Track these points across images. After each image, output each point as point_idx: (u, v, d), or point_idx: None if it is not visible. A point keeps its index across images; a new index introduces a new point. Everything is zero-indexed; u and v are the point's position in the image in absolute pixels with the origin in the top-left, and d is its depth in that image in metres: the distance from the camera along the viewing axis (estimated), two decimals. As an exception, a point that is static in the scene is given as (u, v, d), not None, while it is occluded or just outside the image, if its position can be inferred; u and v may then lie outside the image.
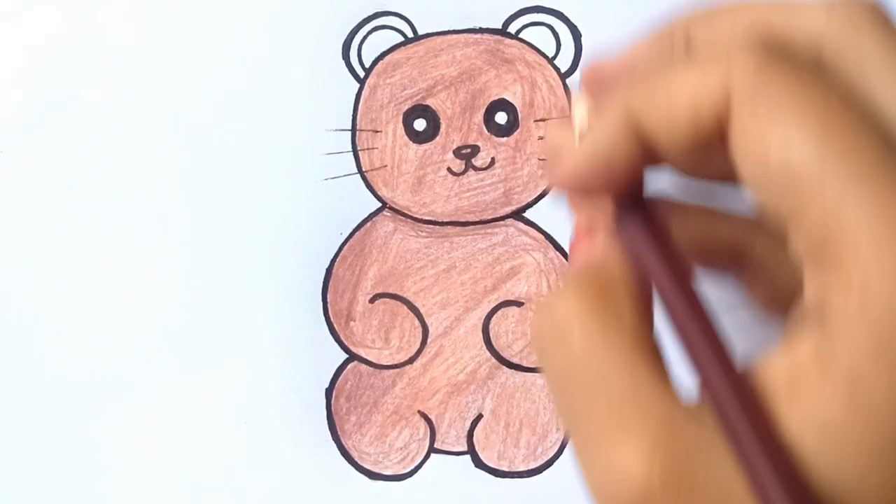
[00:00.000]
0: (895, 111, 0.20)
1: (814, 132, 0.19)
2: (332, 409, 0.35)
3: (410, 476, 0.35)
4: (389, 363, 0.36)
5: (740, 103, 0.20)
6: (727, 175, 0.21)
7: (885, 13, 0.22)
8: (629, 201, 0.24)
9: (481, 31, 0.36)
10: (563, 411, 0.22)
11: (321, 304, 0.36)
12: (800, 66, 0.20)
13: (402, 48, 0.36)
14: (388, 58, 0.36)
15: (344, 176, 0.36)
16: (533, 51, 0.36)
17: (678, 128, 0.21)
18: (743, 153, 0.20)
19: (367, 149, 0.36)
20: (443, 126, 0.36)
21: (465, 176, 0.36)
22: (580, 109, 0.25)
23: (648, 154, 0.22)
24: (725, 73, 0.20)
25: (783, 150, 0.19)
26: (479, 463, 0.35)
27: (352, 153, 0.36)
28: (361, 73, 0.36)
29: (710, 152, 0.21)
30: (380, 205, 0.36)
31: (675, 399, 0.20)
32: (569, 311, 0.22)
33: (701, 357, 0.21)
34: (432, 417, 0.35)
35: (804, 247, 0.20)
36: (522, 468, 0.35)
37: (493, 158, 0.36)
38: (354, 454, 0.35)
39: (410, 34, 0.36)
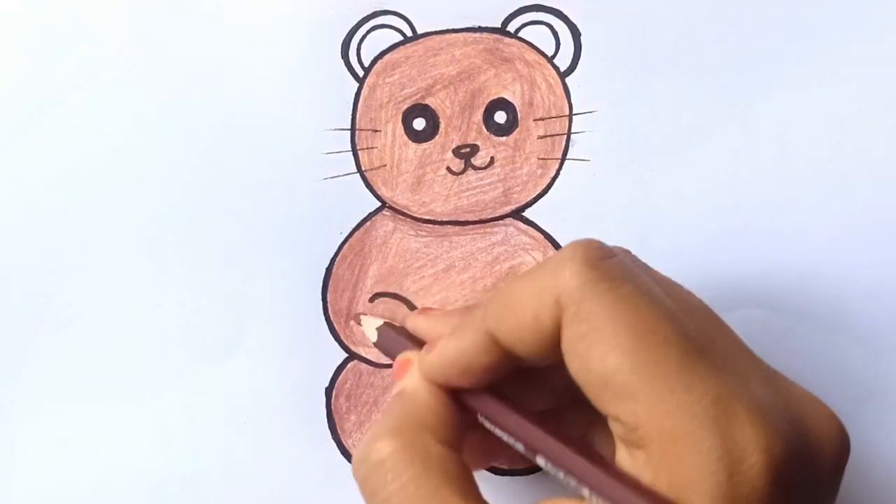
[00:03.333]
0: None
1: (626, 348, 0.24)
2: (332, 408, 0.35)
3: (410, 475, 0.35)
4: (389, 362, 0.36)
5: (567, 323, 0.25)
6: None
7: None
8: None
9: (480, 30, 0.36)
10: None
11: (321, 303, 0.36)
12: (615, 277, 0.25)
13: (402, 47, 0.36)
14: (387, 57, 0.36)
15: (343, 175, 0.36)
16: (532, 50, 0.36)
17: (527, 339, 0.26)
18: (570, 362, 0.25)
19: (367, 148, 0.36)
20: (442, 125, 0.36)
21: (464, 175, 0.36)
22: (370, 326, 0.33)
23: (506, 358, 0.27)
24: (556, 291, 0.25)
25: (601, 366, 0.24)
26: (479, 462, 0.35)
27: (351, 152, 0.36)
28: (360, 73, 0.36)
29: (555, 350, 0.26)
30: (379, 204, 0.36)
31: None
32: (384, 450, 0.27)
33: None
34: (432, 416, 0.36)
35: (619, 431, 0.25)
36: (522, 467, 0.35)
37: (492, 158, 0.36)
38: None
39: (409, 33, 0.36)
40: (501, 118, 0.36)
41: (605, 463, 0.25)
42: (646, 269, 0.28)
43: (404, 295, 0.36)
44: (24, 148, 0.36)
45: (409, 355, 0.30)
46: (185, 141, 0.36)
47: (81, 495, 0.35)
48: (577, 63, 0.36)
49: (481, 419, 0.29)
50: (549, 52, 0.36)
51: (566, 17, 0.36)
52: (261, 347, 0.35)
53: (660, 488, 0.24)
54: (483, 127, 0.36)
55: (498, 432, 0.28)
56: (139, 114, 0.36)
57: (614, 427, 0.25)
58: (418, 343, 0.32)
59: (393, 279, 0.36)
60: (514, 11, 0.36)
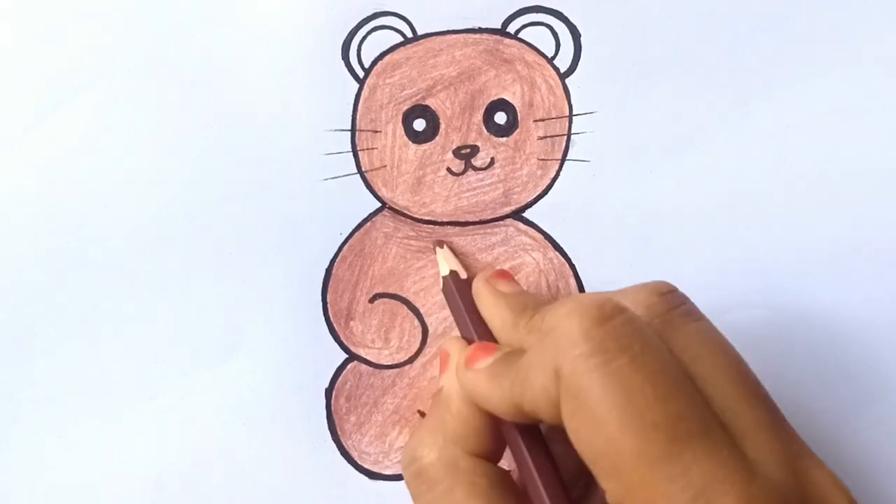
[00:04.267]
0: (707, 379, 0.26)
1: (611, 433, 0.24)
2: (332, 409, 0.35)
3: (410, 476, 0.35)
4: (389, 363, 0.36)
5: (562, 398, 0.25)
6: None
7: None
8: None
9: (480, 31, 0.36)
10: None
11: (321, 304, 0.36)
12: (609, 349, 0.24)
13: (402, 48, 0.36)
14: (387, 58, 0.36)
15: (343, 176, 0.36)
16: (532, 51, 0.36)
17: (543, 410, 0.26)
18: (570, 435, 0.25)
19: (367, 149, 0.36)
20: (442, 126, 0.36)
21: (464, 176, 0.36)
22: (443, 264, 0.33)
23: (533, 419, 0.27)
24: (554, 363, 0.25)
25: (588, 446, 0.24)
26: (479, 462, 0.35)
27: (351, 153, 0.36)
28: (361, 74, 0.36)
29: None
30: (379, 205, 0.36)
31: None
32: (423, 459, 0.29)
33: None
34: (432, 417, 0.36)
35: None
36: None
37: (492, 158, 0.36)
38: (354, 454, 0.35)
39: (410, 34, 0.36)
40: (501, 119, 0.36)
41: None
42: (672, 316, 0.27)
43: (404, 296, 0.36)
44: (24, 148, 0.36)
45: (450, 349, 0.31)
46: (185, 142, 0.36)
47: (82, 495, 0.35)
48: (577, 64, 0.36)
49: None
50: (550, 54, 0.36)
51: (566, 18, 0.36)
52: (261, 348, 0.35)
53: None
54: (483, 128, 0.36)
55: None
56: (139, 114, 0.36)
57: (607, 499, 0.25)
58: (475, 312, 0.32)
59: (393, 280, 0.36)
60: (515, 12, 0.36)
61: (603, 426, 0.24)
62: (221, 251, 0.36)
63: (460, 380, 0.29)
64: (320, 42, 0.36)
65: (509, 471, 0.30)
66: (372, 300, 0.36)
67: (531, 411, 0.27)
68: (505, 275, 0.33)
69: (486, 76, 0.36)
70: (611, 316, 0.25)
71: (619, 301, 0.26)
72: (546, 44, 0.36)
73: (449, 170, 0.36)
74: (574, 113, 0.36)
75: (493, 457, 0.29)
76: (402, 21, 0.36)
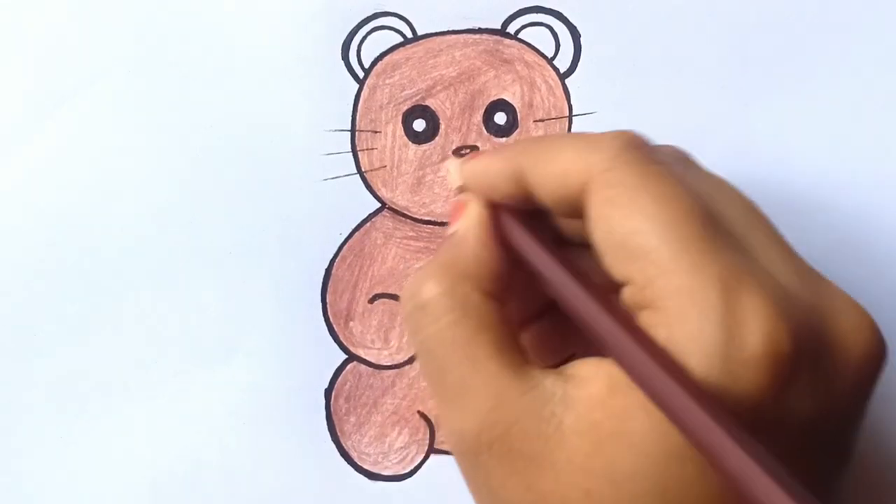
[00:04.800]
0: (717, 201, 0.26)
1: (648, 212, 0.24)
2: (332, 409, 0.35)
3: (410, 476, 0.35)
4: (389, 363, 0.36)
5: (595, 189, 0.25)
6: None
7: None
8: (513, 209, 0.29)
9: (480, 31, 0.36)
10: (425, 377, 0.28)
11: (320, 304, 0.36)
12: (648, 158, 0.26)
13: (402, 49, 0.36)
14: (387, 58, 0.36)
15: (343, 176, 0.36)
16: (532, 51, 0.36)
17: (550, 189, 0.27)
18: (594, 227, 0.25)
19: (367, 149, 0.36)
20: (442, 126, 0.36)
21: (464, 176, 0.36)
22: (453, 167, 0.31)
23: (528, 196, 0.28)
24: (590, 157, 0.26)
25: (621, 228, 0.25)
26: (478, 463, 0.35)
27: (351, 153, 0.36)
28: (360, 74, 0.36)
29: (575, 208, 0.26)
30: (379, 205, 0.36)
31: (509, 374, 0.26)
32: (428, 292, 0.27)
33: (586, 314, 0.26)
34: (432, 418, 0.35)
35: (630, 294, 0.25)
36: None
37: (492, 159, 0.36)
38: (354, 455, 0.35)
39: (409, 35, 0.36)
40: (501, 119, 0.36)
41: (620, 312, 0.25)
42: (690, 163, 0.28)
43: (404, 296, 0.36)
44: (24, 147, 0.36)
45: (466, 198, 0.30)
46: (184, 142, 0.36)
47: (81, 495, 0.35)
48: (576, 64, 0.36)
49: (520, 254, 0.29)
50: (549, 54, 0.36)
51: (566, 18, 0.36)
52: (260, 349, 0.35)
53: (657, 342, 0.24)
54: (483, 128, 0.36)
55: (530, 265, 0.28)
56: (138, 114, 0.36)
57: (626, 294, 0.25)
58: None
59: (393, 280, 0.36)
60: (514, 13, 0.36)
61: (638, 210, 0.24)
62: (221, 251, 0.36)
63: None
64: (320, 42, 0.36)
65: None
66: (372, 300, 0.36)
67: (533, 184, 0.27)
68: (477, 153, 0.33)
69: (485, 76, 0.36)
70: (650, 143, 0.27)
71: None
72: (546, 44, 0.36)
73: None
74: (574, 113, 0.36)
75: (502, 300, 0.28)
76: (401, 21, 0.36)
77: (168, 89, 0.36)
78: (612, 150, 0.26)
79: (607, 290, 0.26)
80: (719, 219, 0.25)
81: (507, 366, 0.26)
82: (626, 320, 0.25)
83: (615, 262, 0.25)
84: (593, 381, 0.25)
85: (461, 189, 0.31)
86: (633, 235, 0.24)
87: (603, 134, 0.27)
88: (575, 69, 0.36)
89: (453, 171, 0.31)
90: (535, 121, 0.36)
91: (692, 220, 0.24)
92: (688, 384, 0.23)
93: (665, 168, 0.25)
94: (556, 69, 0.36)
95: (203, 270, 0.36)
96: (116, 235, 0.36)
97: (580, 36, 0.36)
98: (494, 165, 0.29)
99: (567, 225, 0.29)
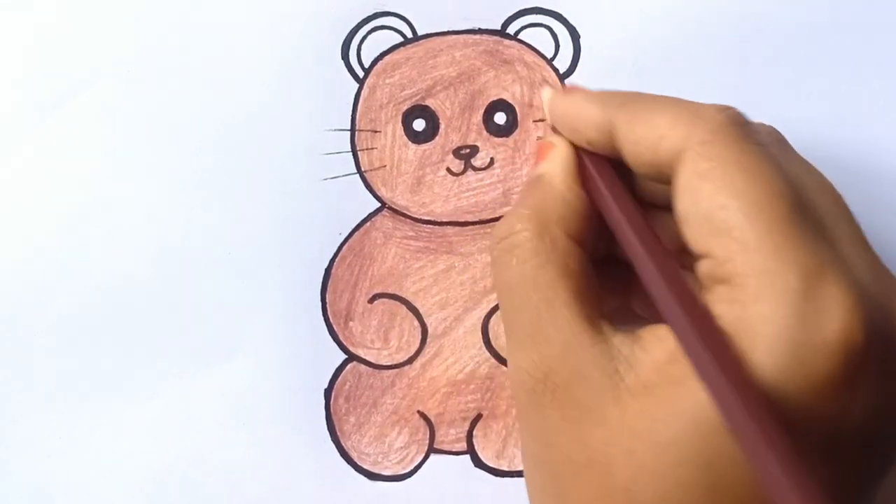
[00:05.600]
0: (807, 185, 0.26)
1: (738, 189, 0.24)
2: (332, 409, 0.35)
3: (410, 476, 0.35)
4: (389, 363, 0.36)
5: (688, 160, 0.25)
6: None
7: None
8: (598, 157, 0.29)
9: (480, 31, 0.36)
10: (503, 314, 0.29)
11: (320, 304, 0.36)
12: (747, 138, 0.25)
13: (402, 49, 0.36)
14: (387, 58, 0.36)
15: (343, 176, 0.36)
16: (532, 52, 0.36)
17: (640, 151, 0.27)
18: (681, 198, 0.25)
19: (367, 149, 0.36)
20: (442, 126, 0.36)
21: (464, 176, 0.36)
22: (546, 97, 0.32)
23: (613, 152, 0.28)
24: (691, 127, 0.26)
25: (709, 202, 0.24)
26: (478, 463, 0.35)
27: (351, 153, 0.36)
28: (361, 74, 0.36)
29: (662, 172, 0.27)
30: (379, 205, 0.36)
31: (582, 323, 0.26)
32: (516, 231, 0.28)
33: (649, 275, 0.25)
34: (432, 417, 0.35)
35: (707, 268, 0.25)
36: (522, 467, 0.35)
37: (492, 159, 0.36)
38: (354, 455, 0.35)
39: (410, 35, 0.36)
40: (501, 119, 0.36)
41: (680, 279, 0.25)
42: (785, 146, 0.29)
43: (404, 296, 0.36)
44: (24, 147, 0.36)
45: (553, 139, 0.30)
46: (184, 141, 0.36)
47: (81, 495, 0.35)
48: (576, 65, 0.36)
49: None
50: (549, 54, 0.36)
51: (565, 19, 0.36)
52: (260, 348, 0.35)
53: (726, 320, 0.24)
54: (483, 128, 0.36)
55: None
56: (138, 114, 0.36)
57: (702, 267, 0.25)
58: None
59: (392, 280, 0.36)
60: (514, 14, 0.36)
61: (728, 186, 0.24)
62: (221, 251, 0.36)
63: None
64: (320, 42, 0.36)
65: None
66: (371, 300, 0.36)
67: (621, 142, 0.27)
68: (578, 87, 0.32)
69: (485, 77, 0.36)
70: (752, 122, 0.27)
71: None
72: (546, 45, 0.36)
73: (449, 170, 0.36)
74: (574, 113, 0.36)
75: (588, 247, 0.29)
76: (402, 21, 0.36)
77: (168, 89, 0.36)
78: (714, 123, 0.25)
79: (678, 257, 0.26)
80: (809, 206, 0.25)
81: (582, 315, 0.27)
82: (688, 294, 0.25)
83: (698, 234, 0.25)
84: (658, 347, 0.25)
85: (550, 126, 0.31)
86: (720, 210, 0.24)
87: (706, 105, 0.26)
88: (574, 69, 0.36)
89: (546, 101, 0.31)
90: (534, 121, 0.36)
91: (782, 203, 0.24)
92: (734, 370, 0.23)
93: (763, 149, 0.25)
94: (555, 69, 0.36)
95: (203, 270, 0.36)
96: (116, 235, 0.36)
97: (580, 37, 0.36)
98: (587, 111, 0.29)
99: (648, 185, 0.30)
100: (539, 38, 0.36)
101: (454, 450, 0.35)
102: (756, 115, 0.36)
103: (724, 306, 0.24)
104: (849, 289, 0.23)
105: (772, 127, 0.29)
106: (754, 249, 0.23)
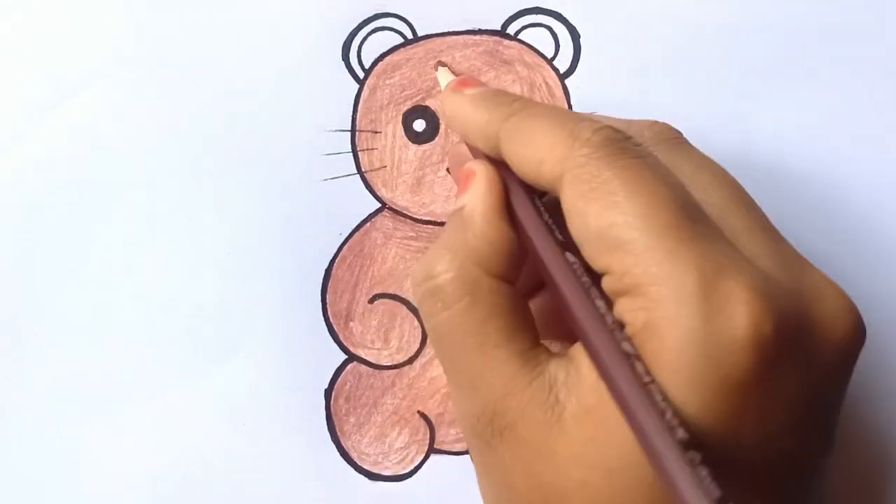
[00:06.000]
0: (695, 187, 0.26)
1: (623, 205, 0.24)
2: (332, 409, 0.35)
3: (410, 476, 0.35)
4: (389, 364, 0.36)
5: (569, 183, 0.25)
6: None
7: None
8: (520, 184, 0.28)
9: (480, 32, 0.36)
10: (439, 360, 0.29)
11: (320, 304, 0.36)
12: (624, 151, 0.25)
13: (402, 49, 0.36)
14: (387, 59, 0.36)
15: (343, 176, 0.36)
16: (532, 52, 0.36)
17: (524, 171, 0.27)
18: (571, 219, 0.25)
19: (367, 149, 0.36)
20: (442, 127, 0.36)
21: (464, 176, 0.36)
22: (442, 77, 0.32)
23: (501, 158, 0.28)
24: (567, 150, 0.26)
25: (597, 221, 0.25)
26: (478, 463, 0.35)
27: (351, 154, 0.36)
28: (361, 74, 0.36)
29: (552, 189, 0.26)
30: (379, 205, 0.36)
31: (518, 361, 0.26)
32: (439, 276, 0.27)
33: (571, 306, 0.25)
34: (432, 418, 0.35)
35: (609, 284, 0.25)
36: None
37: (492, 159, 0.36)
38: (354, 455, 0.35)
39: (410, 35, 0.36)
40: (501, 120, 0.36)
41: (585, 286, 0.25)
42: (678, 144, 0.29)
43: (404, 296, 0.36)
44: (24, 146, 0.36)
45: (474, 166, 0.29)
46: (185, 142, 0.36)
47: (81, 495, 0.35)
48: (576, 65, 0.36)
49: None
50: (549, 55, 0.36)
51: (565, 19, 0.36)
52: (260, 349, 0.35)
53: (635, 327, 0.24)
54: (483, 128, 0.36)
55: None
56: (138, 114, 0.36)
57: (605, 283, 0.25)
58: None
59: (393, 280, 0.36)
60: (514, 14, 0.36)
61: (613, 203, 0.24)
62: (221, 251, 0.36)
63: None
64: (320, 42, 0.36)
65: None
66: (371, 301, 0.36)
67: (511, 163, 0.27)
68: (469, 81, 0.31)
69: (486, 77, 0.36)
70: (628, 135, 0.26)
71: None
72: (546, 45, 0.36)
73: (449, 170, 0.36)
74: (574, 114, 0.36)
75: (516, 279, 0.28)
76: (402, 22, 0.36)
77: (168, 89, 0.36)
78: (590, 144, 0.25)
79: (592, 274, 0.26)
80: (699, 205, 0.25)
81: (517, 353, 0.26)
82: (597, 315, 0.25)
83: (594, 254, 0.25)
84: (589, 366, 0.25)
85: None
86: (610, 228, 0.24)
87: (583, 123, 0.26)
88: (574, 70, 0.36)
89: (442, 82, 0.31)
90: (535, 121, 0.36)
91: (668, 209, 0.24)
92: (638, 387, 0.23)
93: (642, 161, 0.25)
94: (555, 70, 0.36)
95: (203, 270, 0.36)
96: (116, 235, 0.36)
97: (580, 37, 0.36)
98: (474, 118, 0.29)
99: None
100: (539, 39, 0.36)
101: (454, 450, 0.35)
102: (756, 115, 0.36)
103: (630, 315, 0.24)
104: (749, 283, 0.23)
105: (664, 124, 0.29)
106: (648, 260, 0.24)
